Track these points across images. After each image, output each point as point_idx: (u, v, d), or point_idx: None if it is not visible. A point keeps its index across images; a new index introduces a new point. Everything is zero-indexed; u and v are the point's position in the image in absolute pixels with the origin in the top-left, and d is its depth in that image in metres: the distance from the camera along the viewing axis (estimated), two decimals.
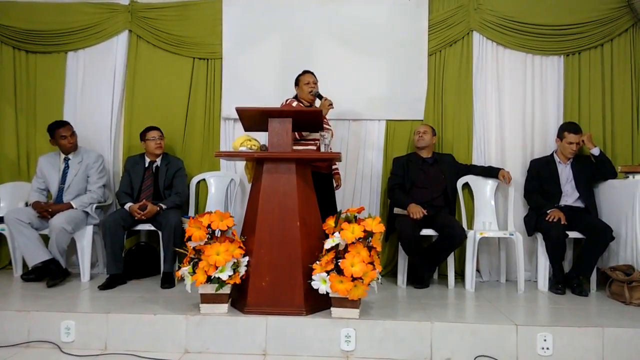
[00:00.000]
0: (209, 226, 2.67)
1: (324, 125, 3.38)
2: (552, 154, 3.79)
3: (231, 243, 2.66)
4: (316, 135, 3.41)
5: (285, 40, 4.11)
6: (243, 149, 2.92)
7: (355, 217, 2.66)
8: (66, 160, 3.77)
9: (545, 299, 3.23)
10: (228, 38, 4.12)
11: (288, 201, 2.75)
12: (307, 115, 2.94)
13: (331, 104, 3.42)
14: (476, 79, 4.04)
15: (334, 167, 3.73)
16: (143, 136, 3.79)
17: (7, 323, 2.64)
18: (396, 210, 3.64)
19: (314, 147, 3.44)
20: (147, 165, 3.79)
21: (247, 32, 4.12)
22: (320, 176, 3.42)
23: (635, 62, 3.96)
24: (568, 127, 3.70)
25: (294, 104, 3.44)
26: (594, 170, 3.68)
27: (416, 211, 3.47)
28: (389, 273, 3.89)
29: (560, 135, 3.73)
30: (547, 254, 3.44)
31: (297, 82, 3.58)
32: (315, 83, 3.54)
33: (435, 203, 3.67)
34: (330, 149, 3.42)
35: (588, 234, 3.39)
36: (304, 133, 3.39)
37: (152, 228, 3.60)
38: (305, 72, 3.58)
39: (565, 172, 3.69)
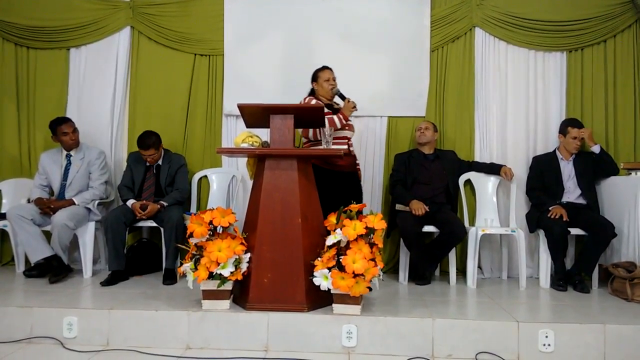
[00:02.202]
0: (210, 222, 2.67)
1: (349, 123, 3.38)
2: (554, 151, 3.78)
3: (233, 239, 2.66)
4: (346, 133, 3.39)
5: (286, 36, 4.11)
6: (245, 145, 2.91)
7: (357, 213, 2.66)
8: (68, 156, 3.77)
9: (546, 296, 3.23)
10: (230, 34, 4.12)
11: (289, 198, 2.75)
12: (308, 111, 2.93)
13: (355, 107, 3.33)
14: (478, 76, 4.03)
15: (356, 161, 3.68)
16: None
17: (10, 319, 2.65)
18: (398, 206, 3.64)
19: (345, 146, 3.35)
20: (148, 164, 3.77)
21: (248, 28, 4.11)
22: (344, 175, 3.39)
23: (639, 59, 3.94)
24: (571, 123, 3.70)
25: (313, 101, 3.33)
26: (596, 167, 3.67)
27: (418, 207, 3.47)
28: (391, 270, 3.89)
29: (563, 131, 3.72)
30: (548, 251, 3.44)
31: (316, 78, 3.48)
32: (335, 80, 3.46)
33: (437, 199, 3.67)
34: (352, 148, 3.44)
35: (590, 231, 3.39)
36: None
37: (154, 224, 3.61)
38: (325, 67, 3.48)
39: (567, 169, 3.68)
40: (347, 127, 3.40)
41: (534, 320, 2.58)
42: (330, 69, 3.50)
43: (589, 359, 2.46)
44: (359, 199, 3.50)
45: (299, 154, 2.84)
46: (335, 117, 3.27)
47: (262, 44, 4.11)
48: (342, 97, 3.42)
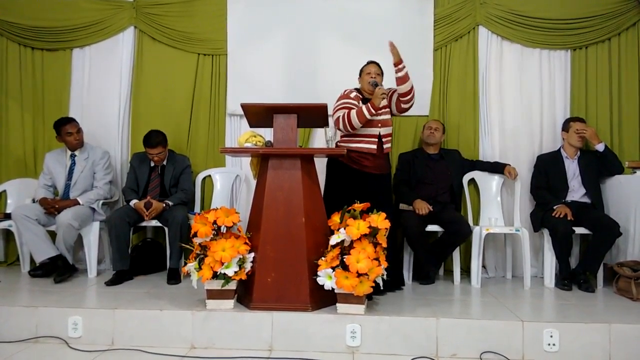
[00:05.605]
0: (214, 222, 2.68)
1: (383, 119, 3.25)
2: (558, 150, 3.77)
3: (237, 239, 2.66)
4: (374, 130, 3.23)
5: (290, 36, 4.10)
6: (248, 145, 2.91)
7: (360, 213, 2.66)
8: (72, 156, 3.78)
9: (551, 295, 3.22)
10: (233, 34, 4.13)
11: (293, 197, 2.75)
12: (311, 111, 2.92)
13: (384, 93, 3.15)
14: (482, 74, 4.01)
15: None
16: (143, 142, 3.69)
17: (15, 318, 2.66)
18: (402, 206, 3.63)
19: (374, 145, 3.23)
20: (153, 164, 3.78)
21: (252, 28, 4.12)
22: (374, 177, 3.25)
23: None
24: (572, 118, 3.72)
25: (353, 94, 3.27)
26: (600, 166, 3.65)
27: (422, 207, 3.47)
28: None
29: (565, 128, 3.72)
30: (553, 250, 3.43)
31: (360, 73, 3.39)
32: (378, 74, 3.32)
33: (441, 199, 3.66)
34: (387, 145, 3.30)
35: (595, 230, 3.37)
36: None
37: (159, 224, 3.62)
38: (370, 62, 3.39)
39: (572, 168, 3.67)
40: (379, 124, 3.22)
41: (538, 320, 2.57)
42: (375, 63, 3.37)
43: (594, 359, 2.45)
44: (387, 202, 3.35)
45: (302, 154, 2.84)
46: (363, 107, 3.10)
47: (265, 44, 4.11)
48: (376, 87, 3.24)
